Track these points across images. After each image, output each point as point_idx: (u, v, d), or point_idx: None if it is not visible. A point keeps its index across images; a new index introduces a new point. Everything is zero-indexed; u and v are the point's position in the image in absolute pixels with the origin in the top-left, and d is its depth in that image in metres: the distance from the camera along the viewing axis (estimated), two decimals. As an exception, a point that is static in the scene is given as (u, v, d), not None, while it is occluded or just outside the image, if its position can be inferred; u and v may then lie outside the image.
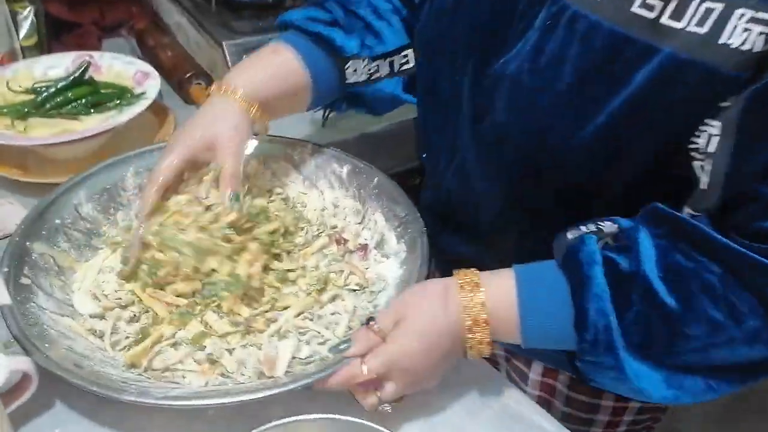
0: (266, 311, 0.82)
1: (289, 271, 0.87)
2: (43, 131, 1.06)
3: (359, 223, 0.98)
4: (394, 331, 0.68)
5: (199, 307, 0.79)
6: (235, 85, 0.81)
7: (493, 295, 0.66)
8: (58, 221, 0.90)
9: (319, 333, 0.79)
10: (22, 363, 0.71)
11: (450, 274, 0.71)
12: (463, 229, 0.92)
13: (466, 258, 0.80)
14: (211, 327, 0.78)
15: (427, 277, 0.81)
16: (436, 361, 0.68)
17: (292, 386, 0.68)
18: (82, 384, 0.67)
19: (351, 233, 0.97)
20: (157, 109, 1.17)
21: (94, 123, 1.07)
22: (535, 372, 0.92)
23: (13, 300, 0.76)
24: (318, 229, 0.97)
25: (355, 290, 0.88)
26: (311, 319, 0.82)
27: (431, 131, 0.93)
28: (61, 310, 0.81)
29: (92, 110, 1.09)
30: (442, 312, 0.67)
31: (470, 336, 0.67)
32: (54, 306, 0.81)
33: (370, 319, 0.71)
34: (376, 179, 1.00)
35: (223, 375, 0.75)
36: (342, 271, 0.90)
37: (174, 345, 0.77)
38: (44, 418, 0.75)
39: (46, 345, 0.72)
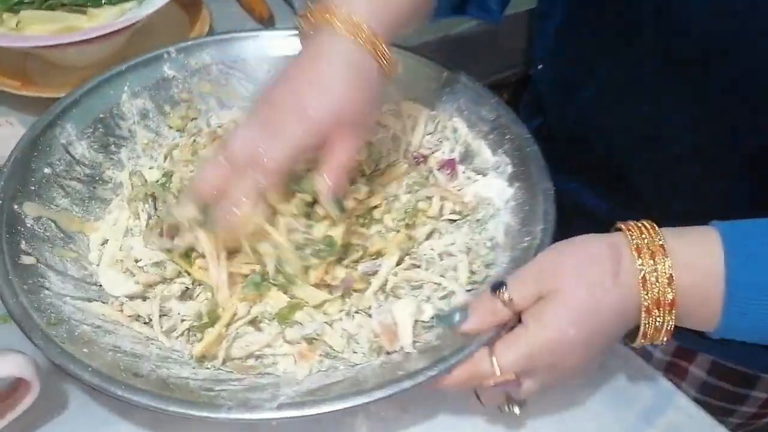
0: (355, 261, 0.63)
1: (373, 208, 0.67)
2: (41, 28, 0.82)
3: (431, 134, 0.78)
4: (539, 307, 0.50)
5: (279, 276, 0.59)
6: (354, 13, 0.54)
7: (686, 264, 0.48)
8: (47, 170, 0.66)
9: (438, 285, 0.61)
10: (11, 365, 0.50)
11: (567, 230, 0.54)
12: (597, 175, 0.72)
13: (588, 213, 0.62)
14: (297, 297, 0.58)
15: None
16: (595, 352, 0.51)
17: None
18: (177, 411, 0.48)
19: (423, 147, 0.77)
20: (187, 1, 0.93)
21: (106, 18, 0.84)
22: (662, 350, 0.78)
23: (20, 292, 0.55)
24: (386, 148, 0.76)
25: (454, 220, 0.69)
26: (419, 266, 0.64)
27: (573, 32, 0.71)
28: (85, 293, 0.60)
29: (104, 0, 0.83)
30: (611, 284, 0.48)
31: (646, 321, 0.49)
32: (72, 288, 0.60)
33: (499, 284, 0.52)
34: (444, 74, 0.79)
35: (327, 356, 0.57)
36: (430, 198, 0.70)
37: (254, 324, 0.58)
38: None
39: (85, 351, 0.52)
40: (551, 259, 0.53)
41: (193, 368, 0.55)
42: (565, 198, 0.67)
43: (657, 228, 0.50)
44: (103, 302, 0.60)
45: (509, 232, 0.65)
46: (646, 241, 0.48)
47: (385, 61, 0.56)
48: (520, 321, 0.51)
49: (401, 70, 0.62)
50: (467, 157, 0.75)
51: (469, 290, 0.61)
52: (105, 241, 0.65)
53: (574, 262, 0.51)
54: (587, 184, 0.77)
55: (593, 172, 0.77)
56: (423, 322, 0.58)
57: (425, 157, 0.75)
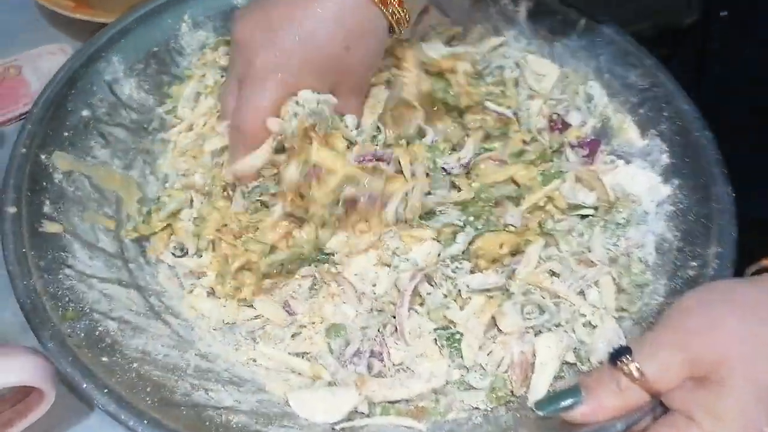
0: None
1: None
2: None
3: (556, 100, 0.61)
4: (705, 395, 0.36)
5: None
6: None
7: None
8: (85, 113, 0.54)
9: (582, 314, 0.46)
10: (19, 371, 0.40)
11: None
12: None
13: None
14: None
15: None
16: None
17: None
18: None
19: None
20: None
21: None
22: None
23: (34, 271, 0.43)
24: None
25: (585, 216, 0.53)
26: (557, 274, 0.48)
27: None
28: (117, 274, 0.48)
29: None
30: None
31: None
32: (102, 267, 0.48)
33: (622, 351, 0.38)
34: (582, 22, 0.61)
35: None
36: (561, 177, 0.54)
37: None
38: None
39: (104, 360, 0.40)
40: (697, 320, 0.38)
41: (239, 389, 0.43)
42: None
43: None
44: (140, 286, 0.48)
45: (663, 248, 0.49)
46: None
47: (395, 14, 0.48)
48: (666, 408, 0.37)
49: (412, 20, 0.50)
50: (603, 134, 0.58)
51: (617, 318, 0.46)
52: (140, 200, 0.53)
53: (734, 324, 0.36)
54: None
55: None
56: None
57: (565, 125, 0.59)
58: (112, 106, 0.56)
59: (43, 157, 0.50)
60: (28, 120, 0.51)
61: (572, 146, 0.56)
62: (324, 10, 0.46)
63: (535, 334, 0.45)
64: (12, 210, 0.46)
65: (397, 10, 0.48)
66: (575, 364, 0.45)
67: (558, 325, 0.45)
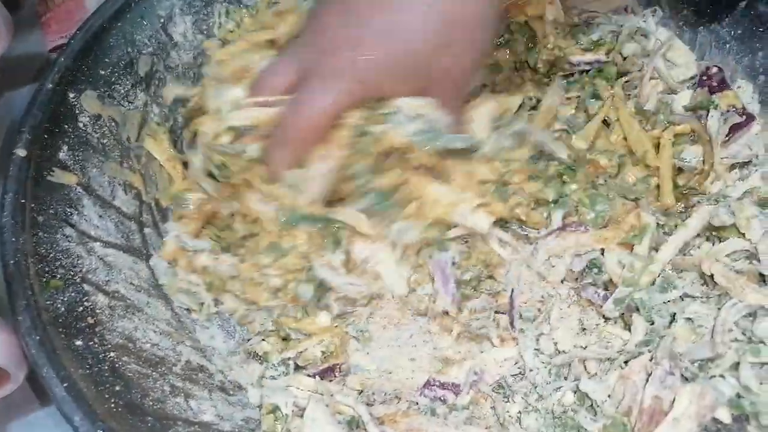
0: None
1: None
2: None
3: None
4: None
5: None
6: None
7: None
8: (130, 51, 0.48)
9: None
10: None
11: None
12: None
13: None
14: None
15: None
16: None
17: None
18: None
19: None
20: None
21: None
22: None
23: (27, 226, 0.39)
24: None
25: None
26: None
27: None
28: (126, 240, 0.43)
29: None
30: None
31: None
32: (113, 229, 0.43)
33: None
34: (742, 3, 0.47)
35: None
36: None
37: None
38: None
39: (78, 344, 0.35)
40: None
41: (229, 399, 0.37)
42: None
43: None
44: (151, 256, 0.43)
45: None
46: None
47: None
48: None
49: None
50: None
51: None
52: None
53: None
54: None
55: None
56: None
57: (723, 85, 0.46)
58: (161, 45, 0.50)
59: (71, 95, 0.45)
60: (62, 52, 0.46)
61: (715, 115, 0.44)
62: None
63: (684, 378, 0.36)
64: (22, 153, 0.41)
65: None
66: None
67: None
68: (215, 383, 0.38)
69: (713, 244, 0.42)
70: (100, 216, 0.43)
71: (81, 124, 0.45)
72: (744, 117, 0.44)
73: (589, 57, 0.51)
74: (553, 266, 0.44)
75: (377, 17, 0.36)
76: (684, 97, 0.47)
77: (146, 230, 0.45)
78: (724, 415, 0.36)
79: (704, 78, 0.46)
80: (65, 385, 0.33)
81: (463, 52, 0.37)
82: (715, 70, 0.46)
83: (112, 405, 0.33)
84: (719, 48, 0.48)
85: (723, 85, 0.46)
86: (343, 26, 0.37)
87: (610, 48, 0.51)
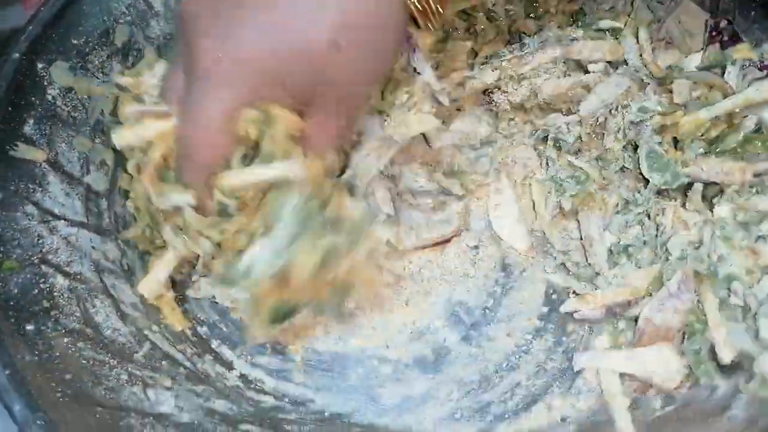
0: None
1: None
2: None
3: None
4: None
5: None
6: None
7: None
8: (105, 19, 0.46)
9: None
10: None
11: None
12: None
13: None
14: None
15: None
16: None
17: None
18: None
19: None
20: None
21: None
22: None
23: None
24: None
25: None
26: None
27: None
28: (97, 220, 0.40)
29: None
30: None
31: None
32: (79, 208, 0.40)
33: None
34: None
35: None
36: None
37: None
38: None
39: (30, 328, 0.33)
40: None
41: (196, 389, 0.34)
42: None
43: None
44: (118, 233, 0.40)
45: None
46: None
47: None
48: None
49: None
50: None
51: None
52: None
53: None
54: None
55: None
56: None
57: (735, 38, 0.42)
58: (140, 14, 0.47)
59: (40, 66, 0.42)
60: (31, 19, 0.43)
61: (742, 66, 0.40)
62: None
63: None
64: (-20, 127, 0.39)
65: None
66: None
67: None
68: (181, 371, 0.36)
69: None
70: (67, 194, 0.40)
71: (50, 97, 0.42)
72: (765, 72, 0.39)
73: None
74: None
75: (257, 11, 0.31)
76: (695, 59, 0.42)
77: (118, 208, 0.42)
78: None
79: (714, 33, 0.41)
80: (8, 372, 0.30)
81: (355, 61, 0.32)
82: (724, 23, 0.41)
83: (59, 394, 0.31)
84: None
85: (735, 38, 0.41)
86: (214, 24, 0.31)
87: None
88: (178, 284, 0.42)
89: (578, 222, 0.44)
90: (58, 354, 0.33)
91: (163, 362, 0.36)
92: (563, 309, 0.41)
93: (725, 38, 0.42)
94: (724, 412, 0.31)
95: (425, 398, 0.39)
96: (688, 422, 0.32)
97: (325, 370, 0.40)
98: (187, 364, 0.37)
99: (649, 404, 0.35)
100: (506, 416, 0.37)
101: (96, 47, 0.45)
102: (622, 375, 0.36)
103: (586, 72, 0.45)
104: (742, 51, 0.42)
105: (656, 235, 0.39)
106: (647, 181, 0.41)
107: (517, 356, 0.40)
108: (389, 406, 0.38)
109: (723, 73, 0.41)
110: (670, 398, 0.34)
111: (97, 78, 0.45)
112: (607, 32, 0.45)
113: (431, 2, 0.32)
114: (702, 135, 0.39)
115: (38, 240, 0.37)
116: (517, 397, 0.38)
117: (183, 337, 0.38)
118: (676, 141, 0.41)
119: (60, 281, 0.36)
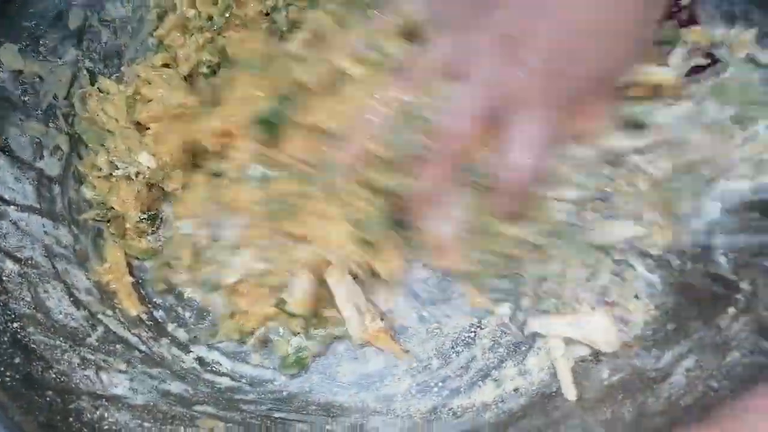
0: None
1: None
2: None
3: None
4: None
5: None
6: None
7: None
8: (58, 1, 0.45)
9: None
10: None
11: None
12: None
13: None
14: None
15: None
16: None
17: None
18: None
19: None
20: None
21: None
22: None
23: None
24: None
25: None
26: None
27: None
28: (49, 205, 0.40)
29: None
30: None
31: None
32: (31, 192, 0.40)
33: None
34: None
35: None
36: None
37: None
38: None
39: (13, 325, 0.33)
40: None
41: (151, 372, 0.34)
42: None
43: None
44: (76, 220, 0.40)
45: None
46: None
47: None
48: None
49: None
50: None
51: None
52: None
53: None
54: None
55: None
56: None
57: (691, 20, 0.42)
58: (101, -1, 0.46)
59: (-20, 47, 0.41)
60: (-22, 2, 0.42)
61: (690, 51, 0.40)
62: None
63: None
64: None
65: None
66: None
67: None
68: (136, 355, 0.36)
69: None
70: (17, 178, 0.40)
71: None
72: (708, 60, 0.40)
73: None
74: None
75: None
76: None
77: (71, 194, 0.42)
78: None
79: (674, 9, 0.41)
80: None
81: (617, 38, 0.31)
82: (686, 1, 0.42)
83: (8, 378, 0.31)
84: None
85: (692, 19, 0.41)
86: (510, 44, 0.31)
87: None
88: (135, 269, 0.42)
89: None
90: (7, 339, 0.33)
91: (118, 346, 0.36)
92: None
93: (684, 17, 0.42)
94: (666, 379, 0.32)
95: (382, 375, 0.39)
96: (635, 390, 0.33)
97: (282, 350, 0.41)
98: (142, 347, 0.37)
99: (598, 374, 0.35)
100: (461, 390, 0.38)
101: (49, 30, 0.44)
102: (568, 341, 0.36)
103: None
104: (695, 33, 0.42)
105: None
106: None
107: (473, 332, 0.40)
108: (346, 383, 0.39)
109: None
110: (618, 368, 0.35)
111: (49, 61, 0.44)
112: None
113: None
114: None
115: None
116: (472, 371, 0.39)
117: (138, 321, 0.38)
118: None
119: (10, 266, 0.36)
